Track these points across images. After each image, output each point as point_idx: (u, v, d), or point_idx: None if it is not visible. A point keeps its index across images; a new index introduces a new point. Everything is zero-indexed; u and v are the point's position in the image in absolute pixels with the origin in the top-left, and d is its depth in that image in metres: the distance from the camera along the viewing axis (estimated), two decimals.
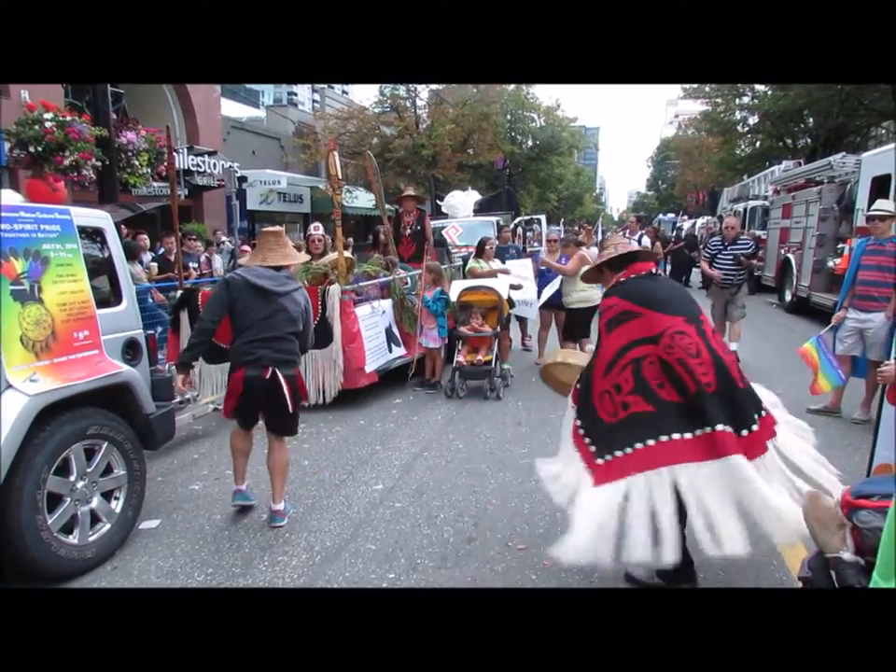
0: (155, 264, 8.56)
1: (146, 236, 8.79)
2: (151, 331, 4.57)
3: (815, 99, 18.44)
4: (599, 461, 2.48)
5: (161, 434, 3.75)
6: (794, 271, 11.82)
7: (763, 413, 2.55)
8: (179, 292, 6.24)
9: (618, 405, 2.50)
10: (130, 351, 3.75)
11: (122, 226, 8.68)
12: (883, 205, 5.23)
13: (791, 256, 12.19)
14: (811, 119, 21.81)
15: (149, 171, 10.07)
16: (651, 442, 2.41)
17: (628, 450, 2.43)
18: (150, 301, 7.59)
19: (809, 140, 22.84)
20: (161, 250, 9.26)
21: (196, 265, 9.20)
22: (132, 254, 7.33)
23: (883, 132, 21.50)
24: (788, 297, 12.15)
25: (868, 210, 5.41)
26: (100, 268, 3.76)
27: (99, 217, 3.71)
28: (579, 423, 2.65)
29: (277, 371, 3.38)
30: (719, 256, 6.95)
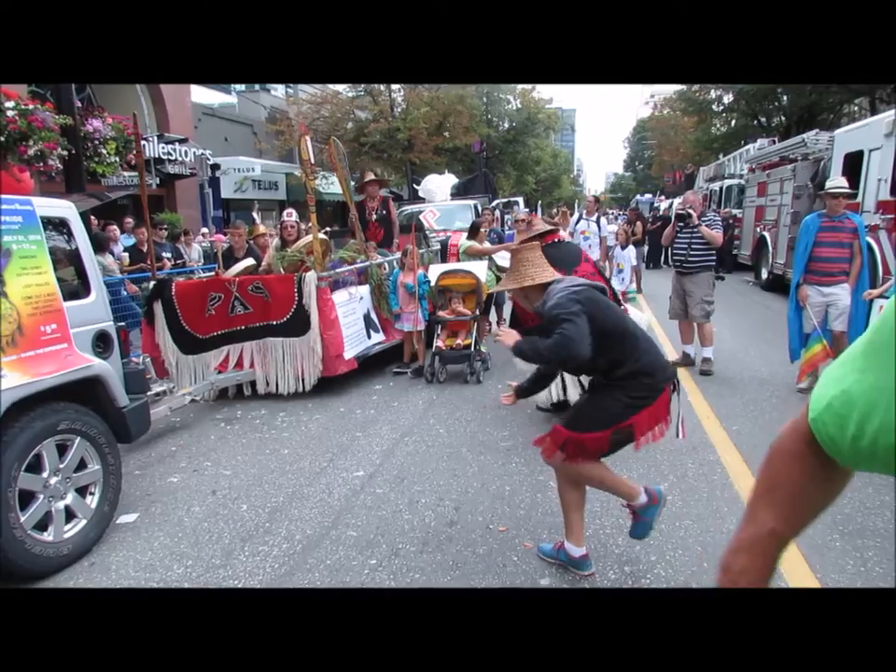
0: (126, 255, 8.39)
1: (115, 227, 8.60)
2: (122, 323, 4.50)
3: None
4: None
5: (136, 427, 3.69)
6: (770, 248, 11.96)
7: None
8: (152, 283, 6.13)
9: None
10: (101, 344, 3.68)
11: (91, 216, 8.48)
12: (840, 182, 5.36)
13: (766, 234, 12.33)
14: (784, 98, 21.96)
15: (118, 160, 9.84)
16: None
17: None
18: (123, 292, 7.46)
19: (783, 118, 23.03)
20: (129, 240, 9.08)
21: (169, 255, 9.03)
22: (101, 245, 7.18)
23: (856, 108, 21.73)
24: (764, 274, 12.30)
25: (826, 188, 5.43)
26: (66, 259, 3.67)
27: (63, 207, 3.61)
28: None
29: None
30: (677, 236, 6.10)
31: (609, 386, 2.67)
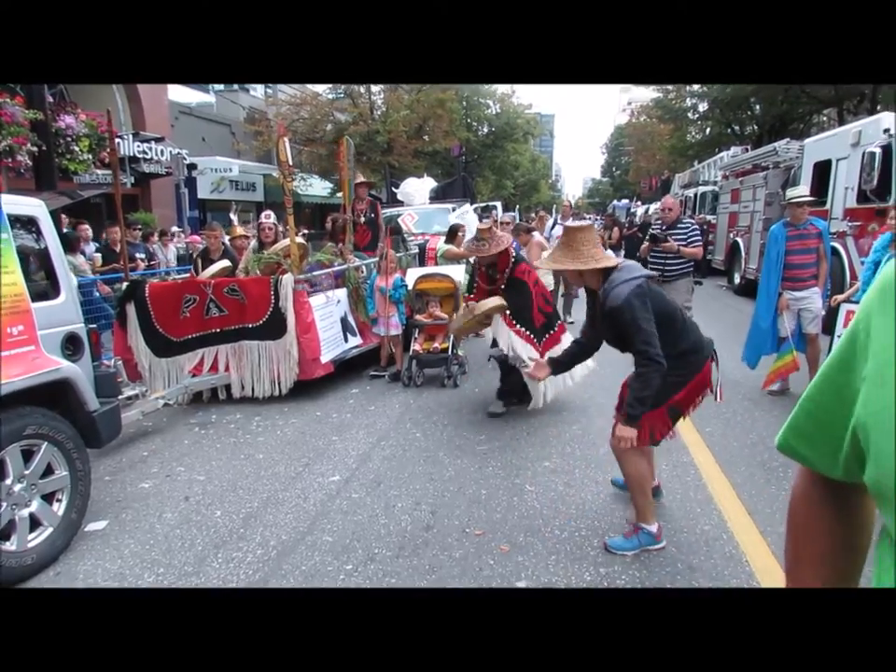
0: (99, 255, 8.22)
1: (87, 226, 8.43)
2: (94, 325, 4.40)
3: (760, 87, 18.96)
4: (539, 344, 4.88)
5: (107, 432, 3.61)
6: (743, 254, 12.20)
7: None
8: (125, 284, 6.02)
9: (540, 318, 4.93)
10: (70, 346, 3.60)
11: (62, 215, 8.31)
12: (801, 190, 5.54)
13: (739, 239, 12.56)
14: (757, 107, 22.43)
15: (91, 157, 9.66)
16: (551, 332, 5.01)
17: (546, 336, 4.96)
18: (95, 293, 7.32)
19: (756, 127, 23.51)
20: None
21: (143, 255, 8.89)
22: (72, 245, 7.04)
23: (825, 119, 22.30)
24: (737, 279, 12.52)
25: (787, 198, 5.54)
26: (35, 259, 3.58)
27: (31, 206, 3.52)
28: (522, 328, 4.81)
29: None
30: (652, 250, 5.98)
31: None
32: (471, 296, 5.19)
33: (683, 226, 5.99)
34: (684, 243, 5.83)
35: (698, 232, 6.13)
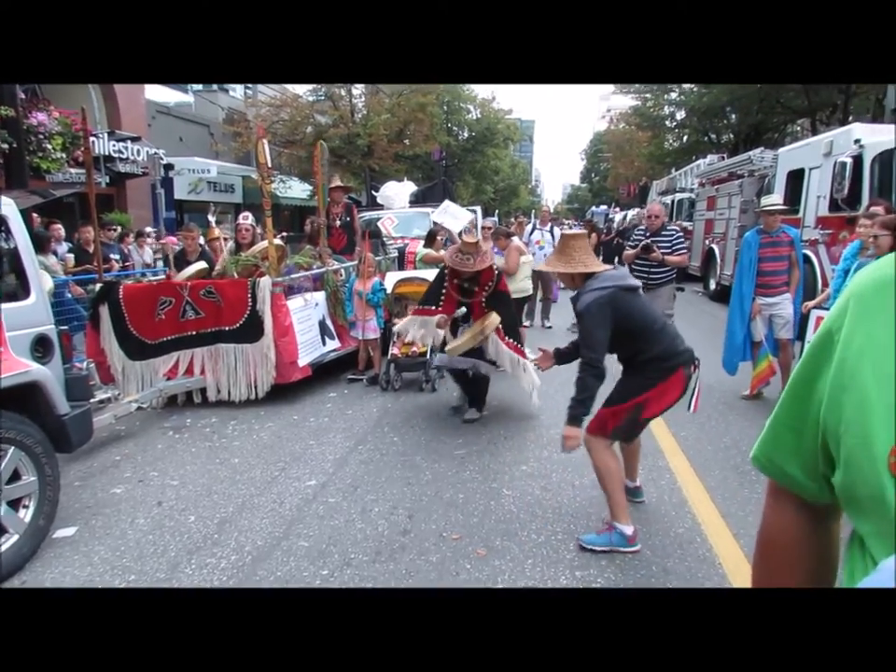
0: (71, 255, 8.07)
1: (59, 226, 8.26)
2: (65, 327, 4.31)
3: (736, 97, 19.33)
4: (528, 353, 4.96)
5: (78, 436, 3.54)
6: (718, 260, 12.40)
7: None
8: (99, 285, 5.91)
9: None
10: (40, 348, 3.52)
11: (34, 214, 8.14)
12: (774, 199, 5.66)
13: (714, 246, 12.77)
14: (733, 116, 22.85)
15: (64, 156, 9.48)
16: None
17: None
18: (67, 294, 7.18)
19: (731, 135, 23.94)
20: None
21: (118, 256, 8.73)
22: (43, 245, 6.89)
23: (798, 129, 22.79)
24: (712, 285, 12.72)
25: (761, 206, 5.64)
26: (5, 259, 3.50)
27: (0, 204, 3.44)
28: (512, 340, 4.94)
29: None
30: (638, 257, 6.00)
31: (629, 369, 3.14)
32: (438, 309, 4.89)
33: (668, 233, 6.01)
34: (669, 250, 5.87)
35: (683, 240, 6.16)
